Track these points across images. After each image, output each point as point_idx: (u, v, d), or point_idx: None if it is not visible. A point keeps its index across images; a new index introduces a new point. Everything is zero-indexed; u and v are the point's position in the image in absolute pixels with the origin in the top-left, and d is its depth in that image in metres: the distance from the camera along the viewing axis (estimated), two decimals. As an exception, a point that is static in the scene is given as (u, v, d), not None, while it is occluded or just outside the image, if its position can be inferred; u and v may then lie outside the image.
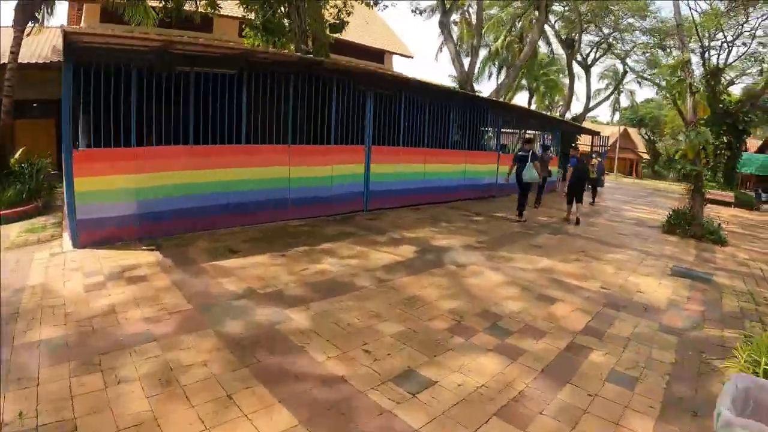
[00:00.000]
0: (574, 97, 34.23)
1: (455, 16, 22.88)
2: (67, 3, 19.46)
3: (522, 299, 5.63)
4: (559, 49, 32.27)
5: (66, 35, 6.35)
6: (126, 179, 7.25)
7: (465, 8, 23.80)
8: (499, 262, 7.27)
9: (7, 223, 8.64)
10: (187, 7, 14.70)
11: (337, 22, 15.33)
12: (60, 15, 22.94)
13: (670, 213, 12.03)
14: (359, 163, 10.34)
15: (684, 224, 11.33)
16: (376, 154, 10.60)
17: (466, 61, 19.33)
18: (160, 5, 14.18)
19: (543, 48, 31.47)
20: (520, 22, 27.90)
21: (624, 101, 47.76)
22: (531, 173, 10.62)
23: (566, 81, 33.85)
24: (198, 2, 15.50)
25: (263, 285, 5.52)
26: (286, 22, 14.07)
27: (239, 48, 7.78)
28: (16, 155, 11.71)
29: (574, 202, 11.50)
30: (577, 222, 11.37)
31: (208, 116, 8.24)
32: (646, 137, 54.09)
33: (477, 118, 13.71)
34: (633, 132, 53.69)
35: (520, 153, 11.13)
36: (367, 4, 15.37)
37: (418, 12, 18.36)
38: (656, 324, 5.18)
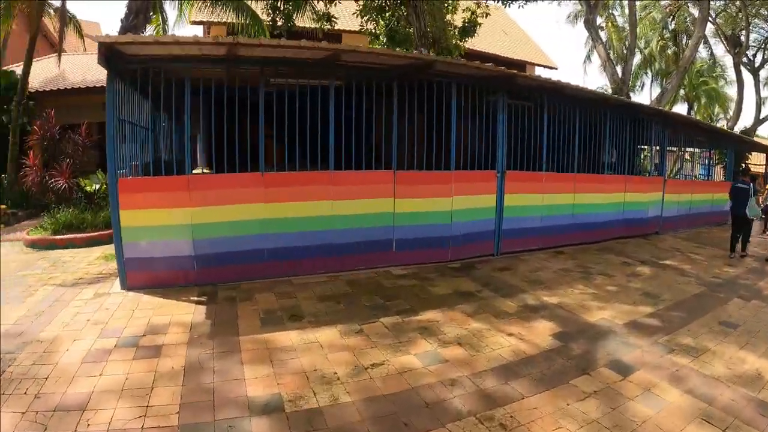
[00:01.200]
0: (733, 107, 28.13)
1: (600, 21, 19.15)
2: (201, 28, 19.37)
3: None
4: (718, 51, 26.63)
5: (104, 46, 4.90)
6: (180, 213, 5.67)
7: (609, 11, 19.97)
8: (680, 358, 4.31)
9: (97, 245, 8.10)
10: (300, 22, 13.30)
11: (468, 24, 12.84)
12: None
13: None
14: (489, 193, 7.60)
15: None
16: (512, 182, 7.78)
17: (618, 69, 15.63)
18: (269, 20, 12.89)
19: (700, 52, 26.00)
20: (674, 22, 23.10)
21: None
22: (754, 209, 9.38)
23: (728, 90, 27.95)
24: (313, 16, 14.07)
25: (300, 393, 3.38)
26: (412, 30, 11.95)
27: (324, 47, 5.58)
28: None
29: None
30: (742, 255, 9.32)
31: (285, 137, 6.26)
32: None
33: (636, 134, 10.25)
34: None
35: (739, 185, 9.19)
36: (503, 2, 12.66)
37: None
38: None
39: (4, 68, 14.45)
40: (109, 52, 5.23)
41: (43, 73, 15.33)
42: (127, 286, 5.58)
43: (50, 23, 16.62)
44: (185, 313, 4.93)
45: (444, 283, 6.31)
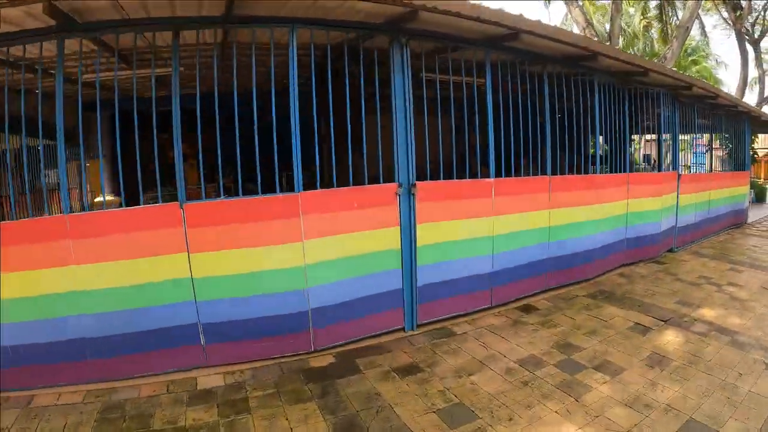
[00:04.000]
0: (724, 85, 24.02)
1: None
2: None
3: None
4: (708, 25, 22.42)
5: None
6: None
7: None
8: None
9: None
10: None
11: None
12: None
13: None
14: (385, 226, 3.76)
15: None
16: (429, 202, 3.92)
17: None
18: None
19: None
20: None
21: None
22: None
23: (718, 73, 23.79)
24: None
25: None
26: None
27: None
28: None
29: None
30: None
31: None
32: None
33: (637, 114, 6.46)
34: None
35: None
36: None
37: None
38: None
39: None
40: None
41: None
42: None
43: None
44: None
45: (263, 425, 2.71)
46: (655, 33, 21.62)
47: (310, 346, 3.56)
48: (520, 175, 4.62)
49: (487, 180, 4.25)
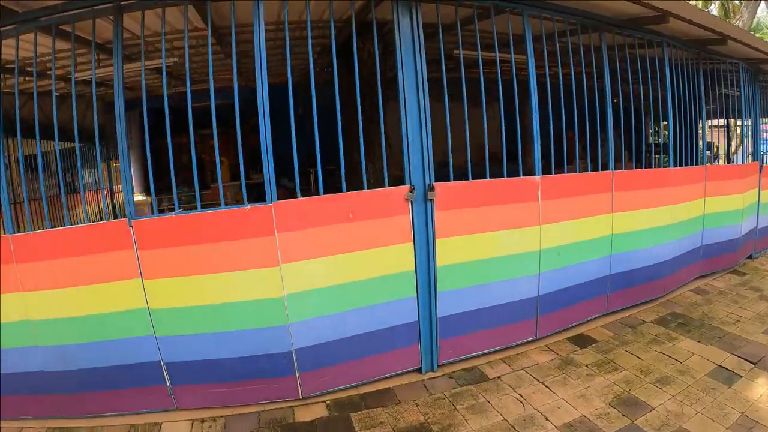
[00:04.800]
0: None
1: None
2: None
3: None
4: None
5: None
6: None
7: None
8: None
9: None
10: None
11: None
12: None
13: None
14: (397, 241, 2.78)
15: None
16: (451, 210, 2.91)
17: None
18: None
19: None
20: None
21: None
22: None
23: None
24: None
25: None
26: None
27: None
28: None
29: None
30: None
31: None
32: None
33: (709, 92, 5.17)
34: None
35: None
36: None
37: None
38: None
39: None
40: None
41: None
42: None
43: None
44: None
45: None
46: (714, 9, 19.40)
47: (298, 393, 2.72)
48: (574, 171, 3.55)
49: (531, 178, 3.21)
